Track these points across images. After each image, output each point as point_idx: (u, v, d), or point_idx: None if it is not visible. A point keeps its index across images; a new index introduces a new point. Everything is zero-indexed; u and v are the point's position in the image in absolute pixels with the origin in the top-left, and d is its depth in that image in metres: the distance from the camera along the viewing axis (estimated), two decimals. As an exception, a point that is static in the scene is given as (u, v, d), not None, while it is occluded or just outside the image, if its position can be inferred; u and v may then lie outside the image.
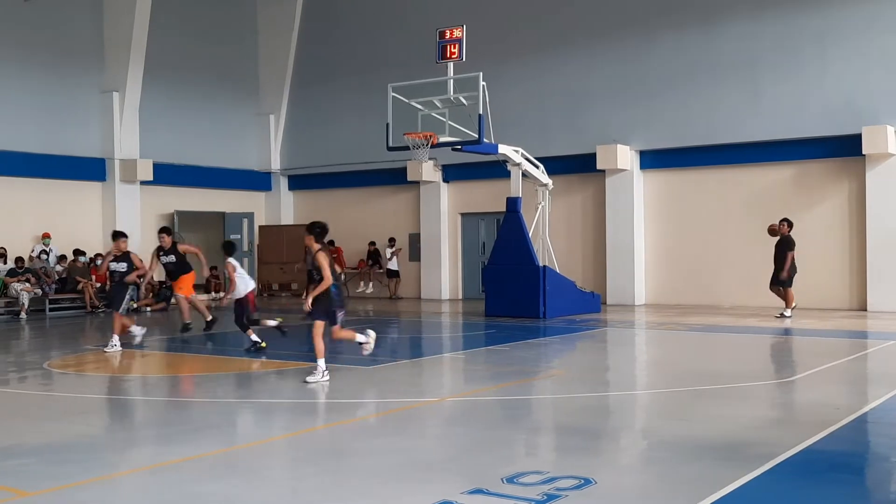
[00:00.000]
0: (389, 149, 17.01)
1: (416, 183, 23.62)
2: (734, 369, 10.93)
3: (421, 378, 10.95)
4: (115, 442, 7.43)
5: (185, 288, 15.08)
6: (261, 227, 25.82)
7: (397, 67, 20.69)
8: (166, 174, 22.75)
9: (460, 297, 23.37)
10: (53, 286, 19.84)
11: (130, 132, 22.19)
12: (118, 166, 21.92)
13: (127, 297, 13.06)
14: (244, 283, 12.91)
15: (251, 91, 25.80)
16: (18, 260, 19.62)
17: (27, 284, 19.17)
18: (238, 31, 25.27)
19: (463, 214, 23.56)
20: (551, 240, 18.72)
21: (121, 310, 12.94)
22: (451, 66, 16.40)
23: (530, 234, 17.72)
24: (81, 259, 20.84)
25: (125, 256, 12.97)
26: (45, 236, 20.62)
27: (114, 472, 6.38)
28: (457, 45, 16.28)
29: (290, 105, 26.03)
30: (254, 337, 12.62)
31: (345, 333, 10.15)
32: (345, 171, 24.71)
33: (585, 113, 21.05)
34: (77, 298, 20.18)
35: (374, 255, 24.52)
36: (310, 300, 9.72)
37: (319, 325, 9.76)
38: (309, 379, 9.55)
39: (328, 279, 9.58)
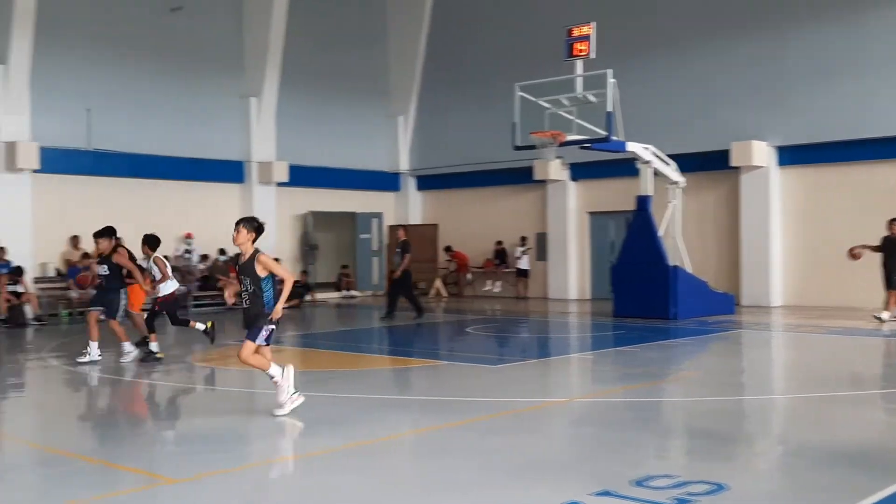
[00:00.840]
0: (516, 148, 16.99)
1: (543, 182, 23.52)
2: (874, 374, 10.40)
3: (548, 378, 10.90)
4: (252, 433, 7.73)
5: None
6: (390, 227, 26.31)
7: (524, 66, 20.64)
8: (301, 176, 23.47)
9: (588, 297, 23.12)
10: (196, 284, 20.81)
11: (267, 135, 23.03)
12: (255, 168, 22.79)
13: (121, 303, 11.86)
14: (174, 281, 12.30)
15: (381, 94, 26.32)
16: (165, 258, 20.68)
17: (172, 282, 20.17)
18: (369, 37, 25.81)
19: (591, 213, 23.30)
20: (683, 239, 18.28)
21: (117, 316, 11.80)
22: (578, 63, 16.26)
23: (661, 233, 17.36)
24: (221, 258, 21.80)
25: (107, 259, 11.76)
26: (188, 236, 21.67)
27: (251, 463, 6.66)
28: (586, 42, 16.11)
29: (419, 107, 26.41)
30: (154, 345, 11.94)
31: (256, 360, 7.89)
32: (471, 170, 24.87)
33: (719, 108, 20.44)
34: (218, 295, 21.09)
35: (500, 255, 24.58)
36: (280, 307, 7.90)
37: (250, 346, 7.83)
38: (277, 412, 7.84)
39: (289, 276, 8.02)
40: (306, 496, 5.53)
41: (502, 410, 8.20)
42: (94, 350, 11.62)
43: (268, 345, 8.02)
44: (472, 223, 25.27)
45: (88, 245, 19.58)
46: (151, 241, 12.18)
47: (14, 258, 17.83)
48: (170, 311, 12.12)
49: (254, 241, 7.92)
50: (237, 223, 7.90)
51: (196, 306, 20.56)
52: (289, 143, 23.36)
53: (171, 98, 21.39)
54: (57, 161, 19.01)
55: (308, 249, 24.49)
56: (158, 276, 11.97)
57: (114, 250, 11.72)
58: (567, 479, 5.79)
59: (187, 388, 10.22)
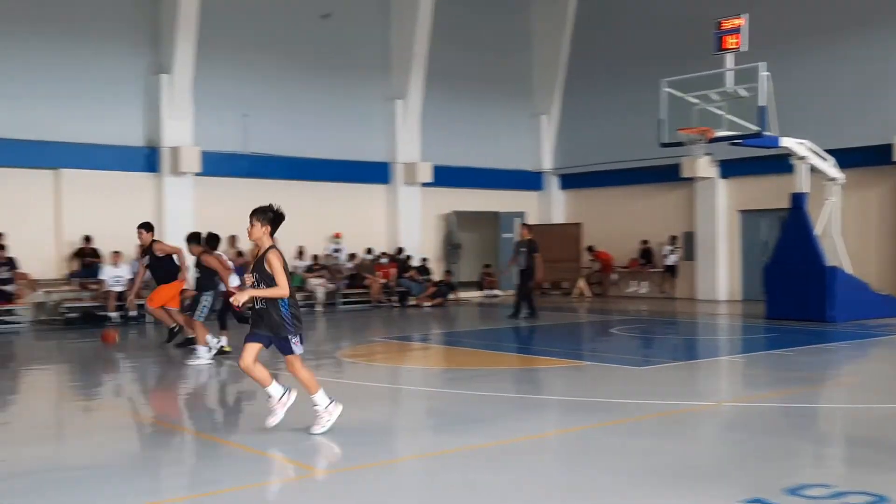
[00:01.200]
0: (663, 145, 16.60)
1: (691, 179, 22.88)
2: None
3: (696, 380, 10.60)
4: (398, 429, 7.90)
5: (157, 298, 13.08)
6: (522, 225, 26.25)
7: (670, 62, 20.13)
8: (444, 176, 23.76)
9: (738, 298, 22.32)
10: (344, 282, 21.45)
11: (412, 137, 23.45)
12: (401, 169, 23.25)
13: (202, 304, 11.94)
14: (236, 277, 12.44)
15: (524, 94, 26.30)
16: (314, 257, 21.46)
17: (322, 280, 20.89)
18: (512, 38, 25.85)
19: (742, 212, 22.48)
20: (842, 238, 17.36)
21: (197, 317, 11.88)
22: (728, 56, 15.72)
23: (818, 233, 16.55)
24: (368, 257, 22.37)
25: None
26: (337, 236, 22.35)
27: (396, 458, 6.80)
28: (737, 35, 15.56)
29: (562, 105, 26.24)
30: (223, 341, 12.14)
31: (259, 372, 7.17)
32: (615, 168, 24.48)
33: (882, 99, 19.29)
34: (364, 293, 21.66)
35: (646, 254, 24.09)
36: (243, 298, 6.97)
37: (252, 349, 7.08)
38: (269, 422, 7.15)
39: (283, 287, 6.93)
40: (447, 493, 5.59)
41: (647, 413, 8.04)
42: (211, 344, 11.97)
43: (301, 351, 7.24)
44: (617, 222, 24.87)
45: (244, 244, 20.55)
46: (197, 239, 12.33)
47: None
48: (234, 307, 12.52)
49: (271, 233, 7.05)
50: (250, 215, 7.02)
51: (344, 304, 21.16)
52: (433, 143, 23.69)
53: (321, 102, 22.10)
54: (216, 164, 20.00)
55: (451, 249, 24.77)
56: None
57: (203, 252, 12.17)
58: (715, 485, 5.62)
59: (335, 382, 10.54)
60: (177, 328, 13.09)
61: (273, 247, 6.99)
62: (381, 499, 5.46)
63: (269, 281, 6.89)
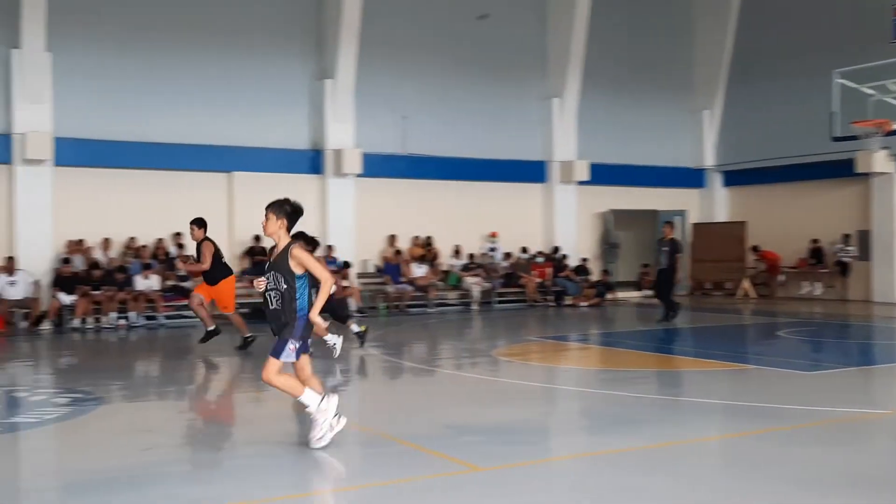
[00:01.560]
0: (835, 139, 15.81)
1: (866, 175, 21.58)
2: None
3: (870, 387, 10.02)
4: (553, 428, 7.90)
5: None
6: (694, 225, 25.52)
7: (842, 51, 19.09)
8: (602, 174, 23.45)
9: (920, 300, 20.89)
10: (500, 280, 21.57)
11: (568, 135, 23.28)
12: (557, 168, 23.14)
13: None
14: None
15: (685, 89, 25.59)
16: (471, 256, 21.71)
17: (478, 279, 21.09)
18: (673, 32, 25.21)
19: (924, 208, 21.03)
20: None
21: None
22: (908, 44, 14.76)
23: None
24: (524, 256, 22.41)
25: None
26: (493, 235, 22.50)
27: (552, 457, 6.81)
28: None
29: (726, 99, 25.36)
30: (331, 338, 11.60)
31: (283, 382, 6.53)
32: (782, 164, 23.42)
33: None
34: (520, 292, 21.71)
35: (816, 254, 22.92)
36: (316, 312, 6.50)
37: (273, 365, 6.51)
38: (315, 444, 6.55)
39: (328, 278, 6.51)
40: (600, 494, 5.55)
41: (815, 420, 7.66)
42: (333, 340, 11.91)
43: (297, 360, 6.56)
44: (784, 220, 23.79)
45: (404, 243, 21.04)
46: (313, 242, 11.94)
47: (340, 255, 19.58)
48: (335, 304, 12.55)
49: (289, 228, 6.57)
50: (266, 208, 6.59)
51: (499, 302, 21.29)
52: (590, 141, 23.43)
53: (477, 102, 22.30)
54: (376, 166, 20.56)
55: (608, 248, 24.44)
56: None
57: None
58: (879, 496, 5.31)
59: (492, 380, 10.64)
60: (251, 338, 12.78)
61: (293, 242, 6.49)
62: (535, 498, 5.49)
63: (290, 279, 6.38)
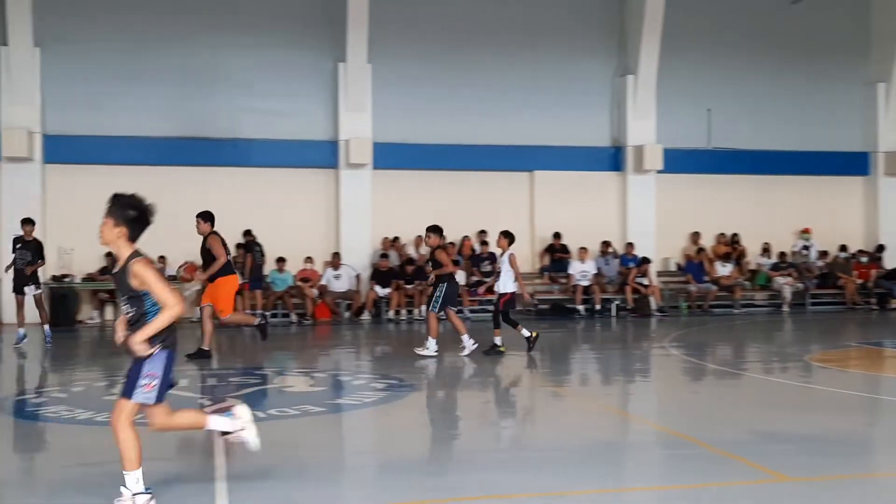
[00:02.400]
0: None
1: None
2: None
3: None
4: (876, 441, 7.25)
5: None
6: None
7: None
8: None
9: None
10: (814, 281, 20.13)
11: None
12: (882, 159, 21.14)
13: (436, 292, 11.82)
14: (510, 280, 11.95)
15: None
16: (781, 255, 20.45)
17: (789, 279, 19.83)
18: None
19: None
20: None
21: (433, 308, 11.81)
22: None
23: None
24: (842, 255, 20.72)
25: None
26: (806, 231, 21.03)
27: (875, 472, 6.27)
28: None
29: None
30: (497, 340, 11.84)
31: (163, 421, 5.21)
32: None
33: None
34: (838, 294, 20.12)
35: None
36: None
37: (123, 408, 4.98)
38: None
39: (173, 302, 4.90)
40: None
41: None
42: (466, 343, 11.83)
43: (160, 402, 5.06)
44: None
45: (707, 241, 20.34)
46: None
47: (639, 252, 19.34)
48: (506, 309, 12.11)
49: (132, 238, 5.01)
50: (106, 209, 5.02)
51: (813, 304, 19.89)
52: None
53: (787, 92, 20.96)
54: (678, 161, 20.03)
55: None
56: (508, 271, 11.98)
57: (438, 247, 12.01)
58: None
59: (804, 387, 9.99)
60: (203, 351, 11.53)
61: (137, 254, 4.97)
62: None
63: (137, 300, 4.98)
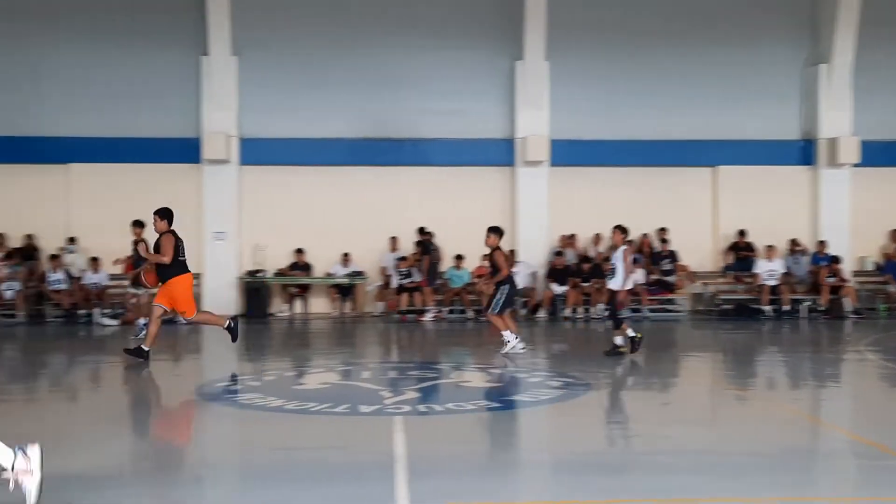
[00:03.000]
0: None
1: None
2: None
3: None
4: None
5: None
6: None
7: None
8: None
9: None
10: None
11: None
12: None
13: (497, 295, 11.94)
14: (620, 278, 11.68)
15: None
16: None
17: None
18: None
19: None
20: None
21: (494, 311, 11.93)
22: None
23: None
24: None
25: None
26: None
27: None
28: None
29: None
30: (619, 340, 11.48)
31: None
32: None
33: None
34: None
35: None
36: None
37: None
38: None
39: None
40: None
41: None
42: (510, 339, 11.79)
43: None
44: None
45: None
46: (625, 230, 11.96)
47: (833, 251, 18.27)
48: (614, 307, 11.72)
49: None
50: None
51: None
52: None
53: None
54: (877, 154, 18.77)
55: None
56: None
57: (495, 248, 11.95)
58: None
59: None
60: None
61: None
62: None
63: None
